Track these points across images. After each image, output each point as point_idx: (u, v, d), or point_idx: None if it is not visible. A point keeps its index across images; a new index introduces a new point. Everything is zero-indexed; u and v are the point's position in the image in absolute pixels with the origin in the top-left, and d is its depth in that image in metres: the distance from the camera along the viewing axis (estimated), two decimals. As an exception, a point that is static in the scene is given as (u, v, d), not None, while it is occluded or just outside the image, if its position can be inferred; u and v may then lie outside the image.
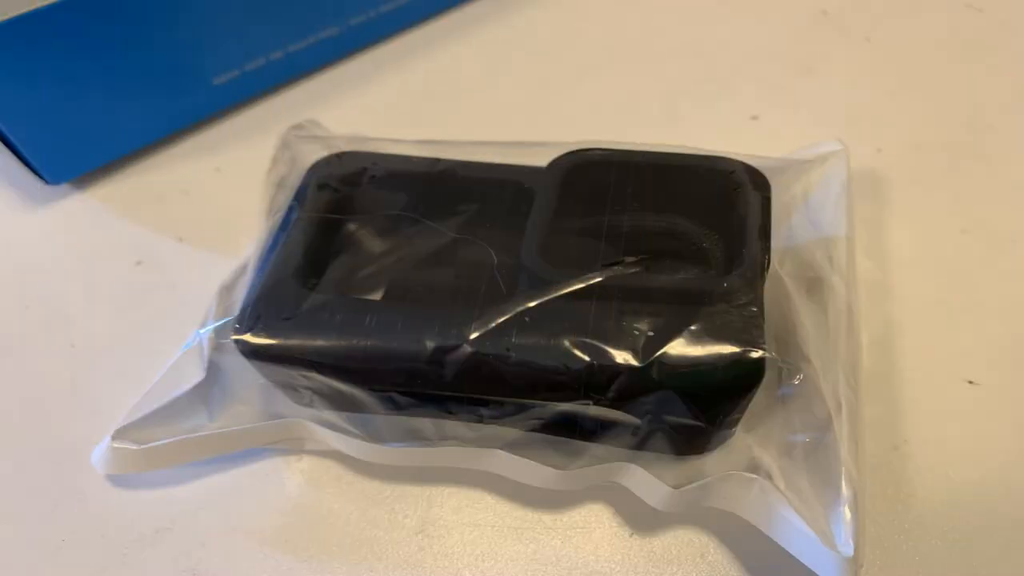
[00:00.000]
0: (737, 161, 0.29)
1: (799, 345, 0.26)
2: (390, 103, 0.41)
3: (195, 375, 0.29)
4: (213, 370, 0.28)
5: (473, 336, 0.25)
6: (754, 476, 0.25)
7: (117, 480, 0.29)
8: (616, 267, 0.26)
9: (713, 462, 0.26)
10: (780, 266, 0.28)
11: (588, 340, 0.24)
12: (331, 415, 0.28)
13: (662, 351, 0.24)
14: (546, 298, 0.25)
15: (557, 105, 0.40)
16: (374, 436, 0.27)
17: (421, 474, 0.29)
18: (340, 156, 0.32)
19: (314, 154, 0.32)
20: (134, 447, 0.28)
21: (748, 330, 0.24)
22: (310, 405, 0.28)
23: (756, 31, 0.44)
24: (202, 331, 0.29)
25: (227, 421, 0.29)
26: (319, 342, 0.26)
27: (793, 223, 0.31)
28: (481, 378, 0.25)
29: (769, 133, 0.38)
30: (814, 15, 0.44)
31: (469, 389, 0.26)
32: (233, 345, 0.27)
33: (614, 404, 0.25)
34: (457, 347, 0.25)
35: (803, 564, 0.24)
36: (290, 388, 0.27)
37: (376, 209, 0.30)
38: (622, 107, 0.40)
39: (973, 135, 0.38)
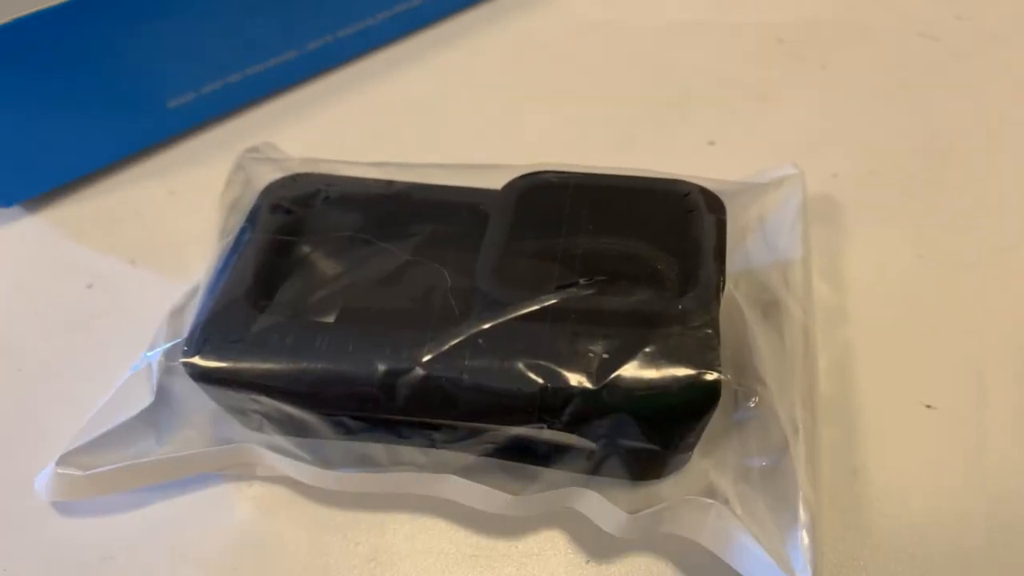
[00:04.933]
0: (693, 184, 0.29)
1: (755, 368, 0.26)
2: (347, 126, 0.41)
3: (143, 399, 0.28)
4: (162, 394, 0.28)
5: (425, 359, 0.25)
6: (711, 501, 0.25)
7: (62, 507, 0.29)
8: (571, 289, 0.26)
9: (669, 487, 0.26)
10: (735, 288, 0.27)
11: (542, 363, 0.24)
12: (282, 440, 0.27)
13: (616, 373, 0.24)
14: (500, 320, 0.25)
15: (513, 129, 0.40)
16: (325, 462, 0.27)
17: (374, 500, 0.28)
18: (294, 178, 0.31)
19: (268, 176, 0.32)
20: (79, 473, 0.27)
21: (703, 352, 0.24)
22: (260, 430, 0.27)
23: (713, 58, 0.44)
24: (150, 354, 0.28)
25: (176, 446, 0.28)
26: (268, 365, 0.25)
27: (749, 246, 0.31)
28: (434, 402, 0.25)
29: (726, 158, 0.39)
30: (770, 42, 0.45)
31: (421, 413, 0.25)
32: (182, 368, 0.26)
33: (568, 428, 0.24)
34: (409, 370, 0.24)
35: (762, 591, 0.24)
36: (240, 412, 0.27)
37: (329, 231, 0.30)
38: (579, 131, 0.40)
39: (928, 161, 0.38)
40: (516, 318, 0.25)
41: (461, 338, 0.25)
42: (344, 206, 0.31)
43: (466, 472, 0.26)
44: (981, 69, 0.42)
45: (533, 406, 0.24)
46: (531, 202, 0.29)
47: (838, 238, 0.35)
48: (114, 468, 0.28)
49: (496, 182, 0.29)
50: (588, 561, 0.27)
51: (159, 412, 0.28)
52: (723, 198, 0.29)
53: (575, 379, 0.24)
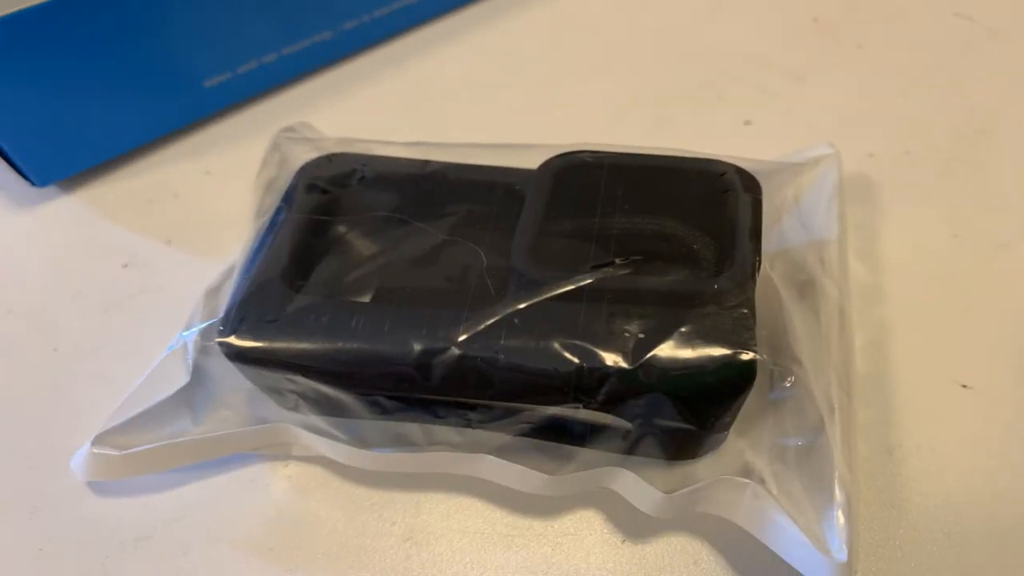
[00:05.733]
0: (728, 164, 0.29)
1: (791, 348, 0.26)
2: (383, 106, 0.41)
3: (179, 379, 0.28)
4: (198, 374, 0.28)
5: (461, 338, 0.24)
6: (746, 481, 0.25)
7: (97, 487, 0.29)
8: (606, 268, 0.26)
9: (705, 467, 0.26)
10: (771, 268, 0.28)
11: (578, 342, 0.24)
12: (317, 420, 0.27)
13: (652, 353, 0.24)
14: (535, 300, 0.25)
15: (549, 108, 0.40)
16: (361, 441, 0.27)
17: (409, 480, 0.28)
18: (330, 158, 0.31)
19: (304, 156, 0.32)
20: (115, 453, 0.28)
21: (739, 332, 0.24)
22: (296, 409, 0.28)
23: (749, 37, 0.44)
24: (186, 333, 0.28)
25: (212, 426, 0.28)
26: (304, 344, 0.25)
27: (784, 226, 0.31)
28: (469, 381, 0.25)
29: (762, 138, 0.39)
30: (806, 22, 0.45)
31: (457, 393, 0.25)
32: (217, 348, 0.26)
33: (604, 407, 0.24)
34: (445, 350, 0.24)
35: (797, 570, 0.24)
36: (275, 392, 0.27)
37: (365, 210, 0.30)
38: (614, 111, 0.40)
39: (963, 141, 0.38)
40: (551, 298, 0.25)
41: (497, 318, 0.25)
42: (380, 186, 0.31)
43: (501, 452, 0.26)
44: (1017, 48, 0.42)
45: (569, 386, 0.24)
46: (567, 182, 0.28)
47: (874, 218, 0.35)
48: (150, 448, 0.28)
49: (532, 162, 0.29)
50: (624, 540, 0.27)
51: (195, 392, 0.28)
52: (758, 178, 0.29)
53: (611, 359, 0.24)
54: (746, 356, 0.23)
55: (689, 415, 0.24)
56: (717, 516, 0.26)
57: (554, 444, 0.27)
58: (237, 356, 0.26)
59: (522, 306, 0.25)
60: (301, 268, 0.28)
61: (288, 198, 0.30)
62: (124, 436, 0.28)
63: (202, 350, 0.28)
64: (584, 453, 0.26)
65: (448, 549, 0.27)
